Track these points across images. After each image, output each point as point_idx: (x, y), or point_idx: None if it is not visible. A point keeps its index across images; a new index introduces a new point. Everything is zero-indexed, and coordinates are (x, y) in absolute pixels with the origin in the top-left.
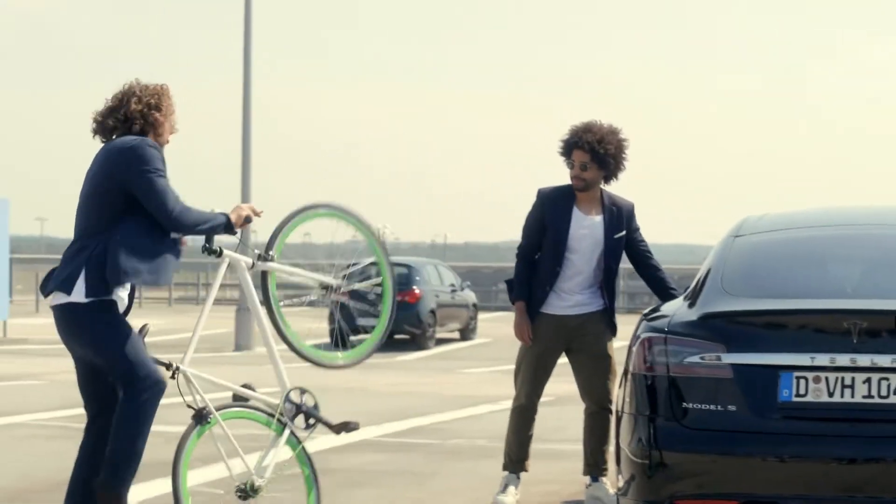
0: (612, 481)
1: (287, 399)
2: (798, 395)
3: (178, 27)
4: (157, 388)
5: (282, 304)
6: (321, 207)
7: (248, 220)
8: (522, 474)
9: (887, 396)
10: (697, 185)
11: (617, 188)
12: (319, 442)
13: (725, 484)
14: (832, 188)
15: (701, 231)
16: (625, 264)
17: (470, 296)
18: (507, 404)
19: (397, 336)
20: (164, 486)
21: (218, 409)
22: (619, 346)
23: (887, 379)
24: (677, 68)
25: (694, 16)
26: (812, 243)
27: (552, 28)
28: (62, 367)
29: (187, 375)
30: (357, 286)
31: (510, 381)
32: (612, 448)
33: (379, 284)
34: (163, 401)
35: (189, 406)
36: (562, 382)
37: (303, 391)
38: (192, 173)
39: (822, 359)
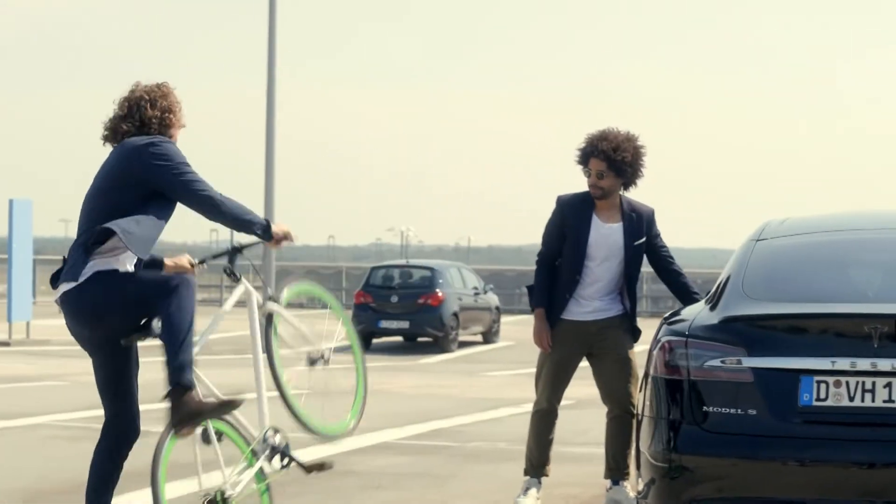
0: (632, 485)
1: (265, 438)
2: (818, 399)
3: (198, 28)
4: (186, 278)
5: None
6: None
7: (286, 237)
8: (543, 478)
9: None
10: (721, 188)
11: (639, 193)
12: (340, 444)
13: (745, 488)
14: (857, 193)
15: (724, 235)
16: (647, 268)
17: (493, 299)
18: (529, 407)
19: (420, 339)
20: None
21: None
22: (640, 349)
23: None
24: (702, 70)
25: (718, 17)
26: (833, 247)
27: (577, 31)
28: (84, 369)
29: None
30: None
31: (532, 385)
32: (633, 451)
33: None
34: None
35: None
36: (583, 386)
37: (276, 430)
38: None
39: (843, 363)
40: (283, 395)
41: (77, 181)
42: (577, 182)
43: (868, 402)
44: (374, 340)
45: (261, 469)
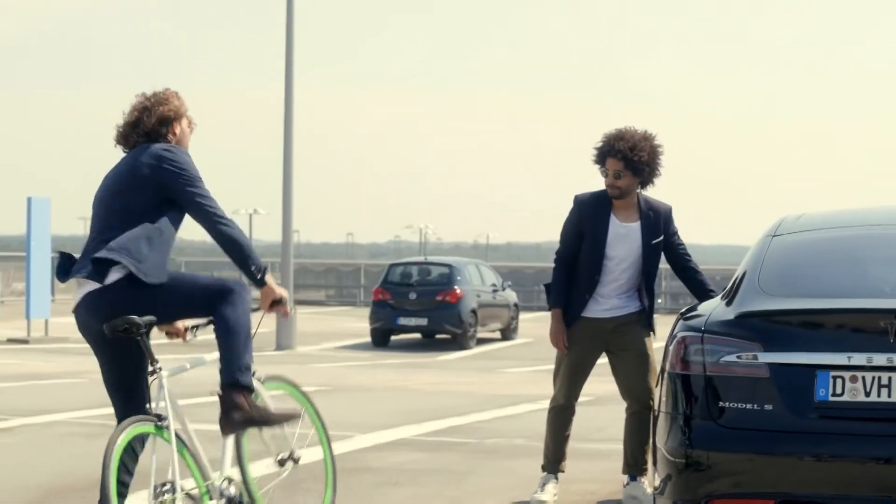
0: (649, 480)
1: (221, 489)
2: (835, 394)
3: (217, 29)
4: (241, 285)
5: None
6: (281, 380)
7: (279, 300)
8: (561, 474)
9: None
10: (740, 185)
11: (656, 190)
12: (357, 441)
13: (762, 483)
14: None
15: (743, 232)
16: (665, 265)
17: (511, 295)
18: (547, 404)
19: (438, 336)
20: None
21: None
22: (657, 346)
23: None
24: (719, 66)
25: (735, 12)
26: (849, 243)
27: (595, 29)
28: None
29: (162, 383)
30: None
31: (551, 381)
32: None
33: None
34: (186, 400)
35: (148, 411)
36: (601, 383)
37: (231, 481)
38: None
39: (859, 358)
40: (245, 482)
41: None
42: (597, 179)
43: (884, 398)
44: (393, 337)
45: None
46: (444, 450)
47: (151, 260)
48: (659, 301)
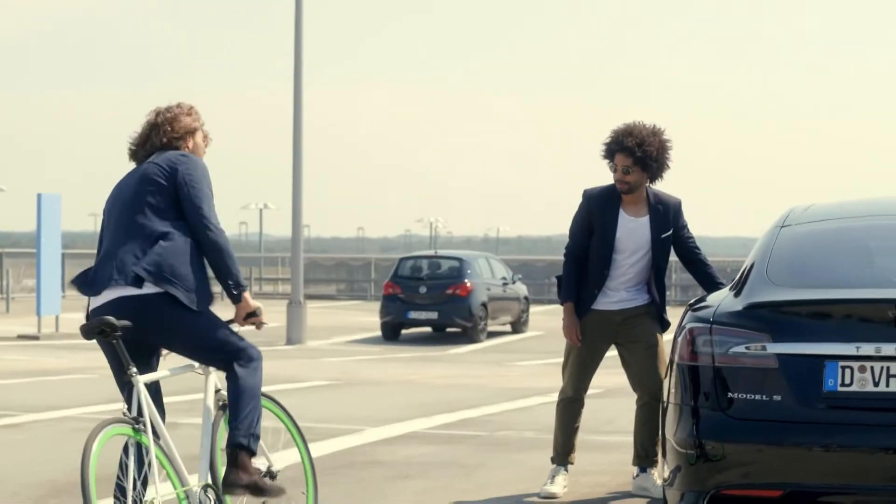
0: (659, 472)
1: (198, 497)
2: (843, 384)
3: (226, 27)
4: (260, 354)
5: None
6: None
7: (254, 313)
8: (570, 466)
9: None
10: (749, 177)
11: (666, 183)
12: (367, 434)
13: (771, 474)
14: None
15: (753, 223)
16: (676, 257)
17: (521, 289)
18: (557, 396)
19: (449, 329)
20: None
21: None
22: (668, 338)
23: None
24: (729, 58)
25: (745, 3)
26: (858, 233)
27: (607, 26)
28: None
29: (139, 388)
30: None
31: (561, 374)
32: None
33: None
34: (191, 396)
35: (124, 414)
36: (611, 375)
37: (209, 487)
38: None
39: (868, 348)
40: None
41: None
42: (606, 173)
43: (893, 388)
44: (403, 331)
45: None
46: (454, 443)
47: (199, 286)
48: (668, 294)
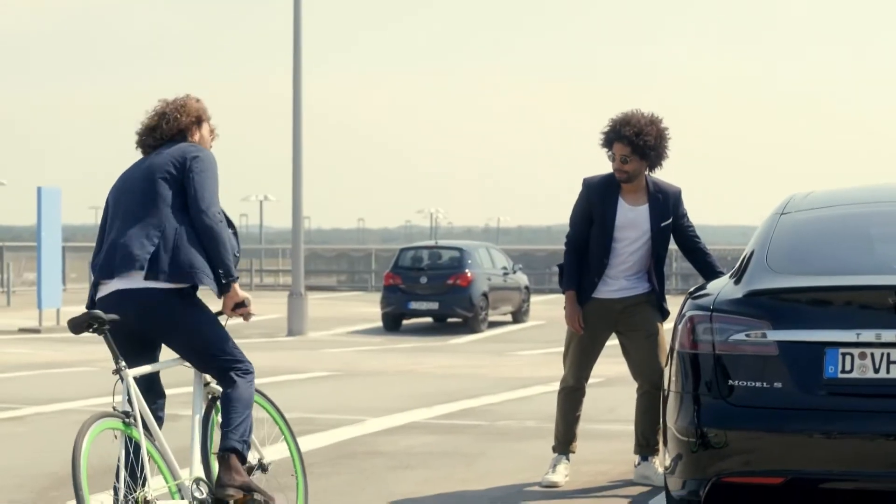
0: (661, 461)
1: (192, 491)
2: (844, 371)
3: (227, 16)
4: (253, 370)
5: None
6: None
7: (242, 304)
8: (572, 455)
9: None
10: (749, 165)
11: (665, 171)
12: (369, 425)
13: (772, 461)
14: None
15: (753, 211)
16: (676, 246)
17: (522, 278)
18: (558, 385)
19: (450, 319)
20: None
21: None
22: (668, 327)
23: None
24: (727, 44)
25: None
26: (858, 220)
27: (605, 16)
28: None
29: (128, 382)
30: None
31: (562, 363)
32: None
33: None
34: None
35: (114, 408)
36: (612, 364)
37: (200, 481)
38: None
39: (868, 335)
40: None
41: (106, 169)
42: (606, 162)
43: (893, 374)
44: (404, 322)
45: None
46: (455, 432)
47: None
48: (668, 283)
